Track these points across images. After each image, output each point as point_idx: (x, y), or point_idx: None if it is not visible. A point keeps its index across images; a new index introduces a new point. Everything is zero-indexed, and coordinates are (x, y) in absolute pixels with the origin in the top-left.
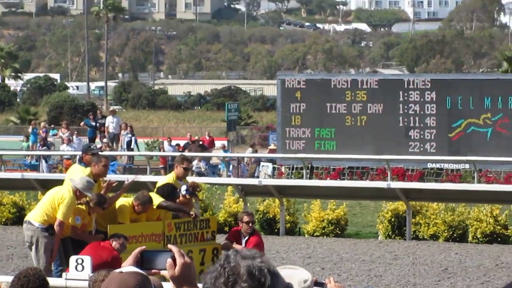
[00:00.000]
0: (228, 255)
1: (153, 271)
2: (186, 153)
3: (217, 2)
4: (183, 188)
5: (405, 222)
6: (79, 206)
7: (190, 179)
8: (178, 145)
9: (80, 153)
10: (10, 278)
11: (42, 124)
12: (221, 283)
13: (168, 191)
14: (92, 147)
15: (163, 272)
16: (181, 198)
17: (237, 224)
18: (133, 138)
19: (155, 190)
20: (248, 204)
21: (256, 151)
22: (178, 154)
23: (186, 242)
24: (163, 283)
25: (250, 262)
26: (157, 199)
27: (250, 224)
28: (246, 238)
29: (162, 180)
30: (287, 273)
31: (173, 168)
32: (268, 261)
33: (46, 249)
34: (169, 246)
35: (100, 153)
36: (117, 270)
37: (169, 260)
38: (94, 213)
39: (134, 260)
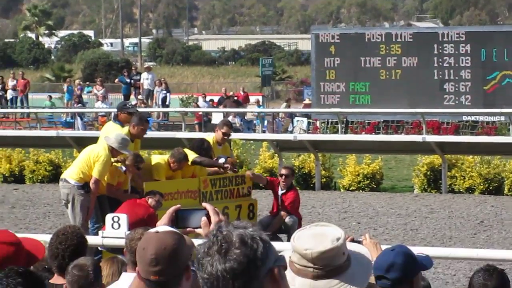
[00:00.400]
0: (220, 225)
1: (188, 229)
2: (221, 108)
3: None
4: (221, 159)
5: (440, 175)
6: (115, 164)
7: None
8: (212, 100)
9: (115, 110)
10: (47, 236)
11: (77, 81)
12: (214, 251)
13: (202, 147)
14: (128, 105)
15: (198, 230)
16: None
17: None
18: (168, 94)
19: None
20: (283, 160)
21: (289, 106)
22: (212, 110)
23: (222, 198)
24: (196, 240)
25: (242, 231)
26: (191, 155)
27: (284, 178)
28: (283, 191)
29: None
30: (319, 230)
31: (208, 125)
32: (260, 230)
33: (82, 207)
34: (204, 204)
35: (136, 111)
36: (153, 230)
37: (204, 219)
38: (130, 173)
39: (169, 218)
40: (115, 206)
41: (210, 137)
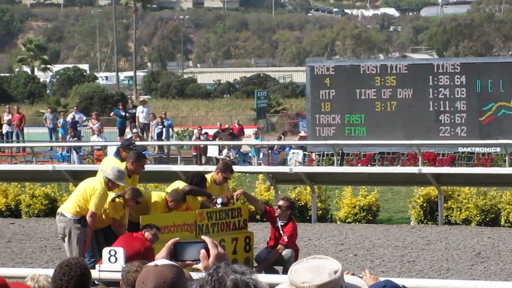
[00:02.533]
0: (219, 266)
1: (186, 262)
2: (217, 141)
3: None
4: (219, 200)
5: (437, 207)
6: (117, 199)
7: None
8: (206, 133)
9: (111, 143)
10: (44, 270)
11: (70, 115)
12: None
13: (197, 181)
14: (132, 146)
15: (197, 265)
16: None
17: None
18: (164, 129)
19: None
20: (279, 192)
21: (280, 138)
22: (207, 142)
23: (218, 231)
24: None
25: (238, 276)
26: (181, 184)
27: (279, 209)
28: (283, 223)
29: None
30: (316, 263)
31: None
32: (258, 279)
33: (79, 241)
34: (203, 237)
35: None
36: (152, 263)
37: (203, 251)
38: (128, 207)
39: (167, 251)
40: (111, 239)
41: (208, 175)
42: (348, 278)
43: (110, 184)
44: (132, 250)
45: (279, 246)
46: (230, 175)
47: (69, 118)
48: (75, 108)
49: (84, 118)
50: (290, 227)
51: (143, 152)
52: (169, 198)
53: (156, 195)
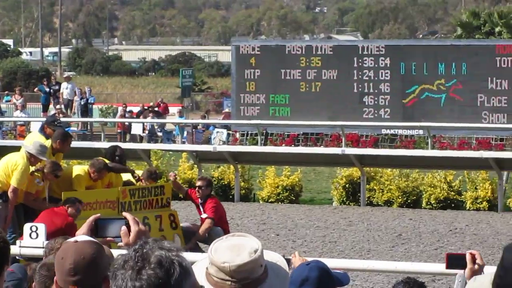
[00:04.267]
0: (146, 241)
1: (107, 239)
2: (141, 119)
3: None
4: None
5: (359, 188)
6: (36, 173)
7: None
8: (131, 111)
9: (35, 119)
10: None
11: None
12: (129, 266)
13: (115, 153)
14: (56, 122)
15: (118, 241)
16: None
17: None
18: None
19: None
20: (202, 171)
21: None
22: (131, 120)
23: (140, 208)
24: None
25: (163, 252)
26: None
27: (199, 190)
28: (201, 201)
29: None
30: (236, 241)
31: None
32: (184, 257)
33: (0, 216)
34: (124, 213)
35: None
36: (72, 239)
37: (124, 228)
38: (48, 181)
39: (88, 227)
40: (31, 215)
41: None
42: (268, 255)
43: (32, 159)
44: (53, 226)
45: (206, 220)
46: (154, 182)
47: None
48: None
49: None
50: (209, 202)
51: (67, 129)
52: (91, 168)
53: (78, 169)
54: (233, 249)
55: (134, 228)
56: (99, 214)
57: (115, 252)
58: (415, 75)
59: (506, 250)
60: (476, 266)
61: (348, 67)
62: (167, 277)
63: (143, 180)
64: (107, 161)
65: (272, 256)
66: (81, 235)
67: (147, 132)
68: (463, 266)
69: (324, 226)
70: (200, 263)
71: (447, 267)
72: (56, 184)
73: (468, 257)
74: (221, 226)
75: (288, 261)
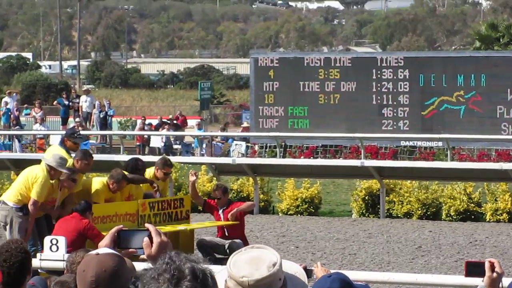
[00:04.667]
0: (171, 255)
1: (129, 250)
2: (160, 131)
3: None
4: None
5: (378, 200)
6: (51, 181)
7: None
8: (150, 124)
9: (54, 132)
10: None
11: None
12: (165, 279)
13: (137, 167)
14: (76, 134)
15: (141, 255)
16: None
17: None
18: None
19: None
20: (223, 184)
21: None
22: (150, 132)
23: (160, 221)
24: (137, 263)
25: (194, 264)
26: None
27: (217, 200)
28: (224, 209)
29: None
30: (255, 254)
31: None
32: (209, 267)
33: (21, 229)
34: (146, 225)
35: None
36: (93, 252)
37: (146, 239)
38: (65, 188)
39: (111, 239)
40: (52, 227)
41: (149, 170)
42: (286, 264)
43: (52, 172)
44: (71, 233)
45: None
46: (170, 169)
47: (10, 105)
48: (7, 92)
49: (15, 102)
50: (233, 205)
51: (86, 142)
52: (110, 180)
53: (97, 181)
54: (251, 263)
55: (156, 240)
56: (122, 226)
57: (137, 265)
58: (434, 87)
59: None
60: (494, 274)
61: (367, 79)
62: (203, 287)
63: (158, 170)
64: (126, 173)
65: (291, 267)
66: (103, 248)
67: (162, 144)
68: (482, 274)
69: (344, 238)
70: (218, 276)
71: (466, 275)
72: (77, 197)
73: (487, 265)
74: (241, 238)
75: (310, 271)
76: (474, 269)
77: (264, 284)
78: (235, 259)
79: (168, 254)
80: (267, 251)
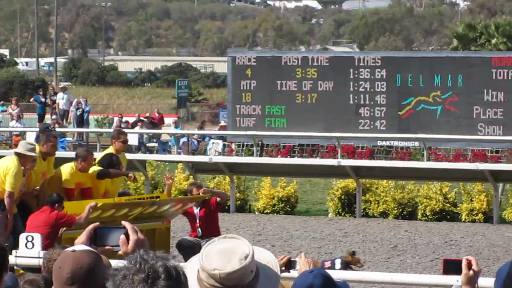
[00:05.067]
0: (141, 254)
1: (106, 247)
2: (137, 130)
3: None
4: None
5: (355, 199)
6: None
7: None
8: (127, 122)
9: (30, 129)
10: None
11: None
12: (140, 279)
13: (112, 163)
14: (49, 128)
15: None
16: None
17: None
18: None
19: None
20: (198, 182)
21: (201, 129)
22: (127, 130)
23: (136, 219)
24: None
25: (166, 262)
26: (96, 169)
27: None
28: (200, 207)
29: (100, 156)
30: (227, 245)
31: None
32: (179, 263)
33: (0, 225)
34: (123, 222)
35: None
36: (70, 249)
37: (122, 237)
38: (28, 171)
39: (87, 236)
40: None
41: (109, 150)
42: (260, 254)
43: (22, 160)
44: (43, 227)
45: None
46: (125, 136)
47: None
48: None
49: None
50: (209, 202)
51: (63, 139)
52: (77, 160)
53: (65, 166)
54: (223, 255)
55: (133, 237)
56: (98, 223)
57: (113, 262)
58: (411, 86)
59: None
60: (471, 272)
61: (344, 79)
62: (178, 285)
63: (115, 143)
64: (100, 168)
65: (264, 256)
66: (79, 244)
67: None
68: (459, 272)
69: (320, 237)
70: (190, 265)
71: (444, 272)
72: (48, 186)
73: (464, 263)
74: (217, 234)
75: (294, 262)
76: (451, 266)
77: (236, 277)
78: (208, 250)
79: (138, 253)
80: (240, 242)
